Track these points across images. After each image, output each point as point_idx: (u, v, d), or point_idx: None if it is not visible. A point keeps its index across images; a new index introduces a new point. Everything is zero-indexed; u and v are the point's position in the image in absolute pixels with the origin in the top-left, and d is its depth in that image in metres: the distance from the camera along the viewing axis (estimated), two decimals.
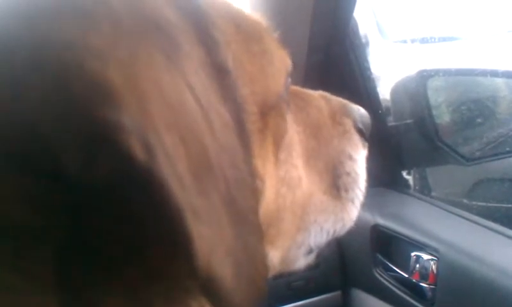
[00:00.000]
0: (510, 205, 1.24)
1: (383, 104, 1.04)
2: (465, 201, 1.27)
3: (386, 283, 0.87)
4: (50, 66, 0.20)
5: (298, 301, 0.96)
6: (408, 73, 1.06)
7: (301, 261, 0.47)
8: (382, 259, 0.89)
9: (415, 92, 1.01)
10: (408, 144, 1.03)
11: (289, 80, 0.41)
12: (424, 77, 1.02)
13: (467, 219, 0.83)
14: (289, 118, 0.42)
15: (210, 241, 0.22)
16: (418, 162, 1.12)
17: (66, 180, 0.20)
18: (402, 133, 1.03)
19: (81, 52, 0.20)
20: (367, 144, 0.54)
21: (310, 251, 0.47)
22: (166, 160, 0.20)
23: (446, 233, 0.79)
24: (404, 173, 1.12)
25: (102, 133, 0.19)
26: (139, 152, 0.19)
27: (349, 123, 0.51)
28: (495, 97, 1.15)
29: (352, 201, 0.49)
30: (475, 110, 1.11)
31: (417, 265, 0.80)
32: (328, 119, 0.50)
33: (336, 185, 0.48)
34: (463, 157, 1.02)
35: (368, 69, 0.98)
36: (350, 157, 0.50)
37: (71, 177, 0.20)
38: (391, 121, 1.05)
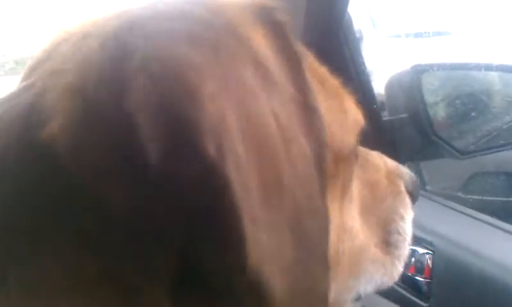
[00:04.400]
0: (505, 198, 1.25)
1: (378, 99, 1.03)
2: (460, 194, 1.27)
3: None
4: (155, 69, 0.23)
5: None
6: (403, 67, 1.06)
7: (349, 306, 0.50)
8: None
9: (410, 86, 1.01)
10: (403, 138, 1.03)
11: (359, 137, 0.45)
12: (419, 71, 1.01)
13: (463, 213, 0.83)
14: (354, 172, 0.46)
15: (265, 249, 0.23)
16: (413, 156, 1.12)
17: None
18: (396, 128, 1.02)
19: (183, 62, 0.24)
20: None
21: (358, 298, 0.50)
22: (235, 164, 0.23)
23: (441, 227, 0.79)
24: None
25: (184, 130, 0.22)
26: (211, 150, 0.22)
27: (401, 185, 0.56)
28: (489, 91, 1.15)
29: (399, 259, 0.53)
30: (470, 104, 1.11)
31: (412, 259, 0.80)
32: (384, 178, 0.54)
33: (386, 241, 0.51)
34: (457, 150, 1.02)
35: (363, 63, 0.97)
36: (402, 218, 0.54)
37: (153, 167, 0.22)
38: (385, 116, 1.05)
